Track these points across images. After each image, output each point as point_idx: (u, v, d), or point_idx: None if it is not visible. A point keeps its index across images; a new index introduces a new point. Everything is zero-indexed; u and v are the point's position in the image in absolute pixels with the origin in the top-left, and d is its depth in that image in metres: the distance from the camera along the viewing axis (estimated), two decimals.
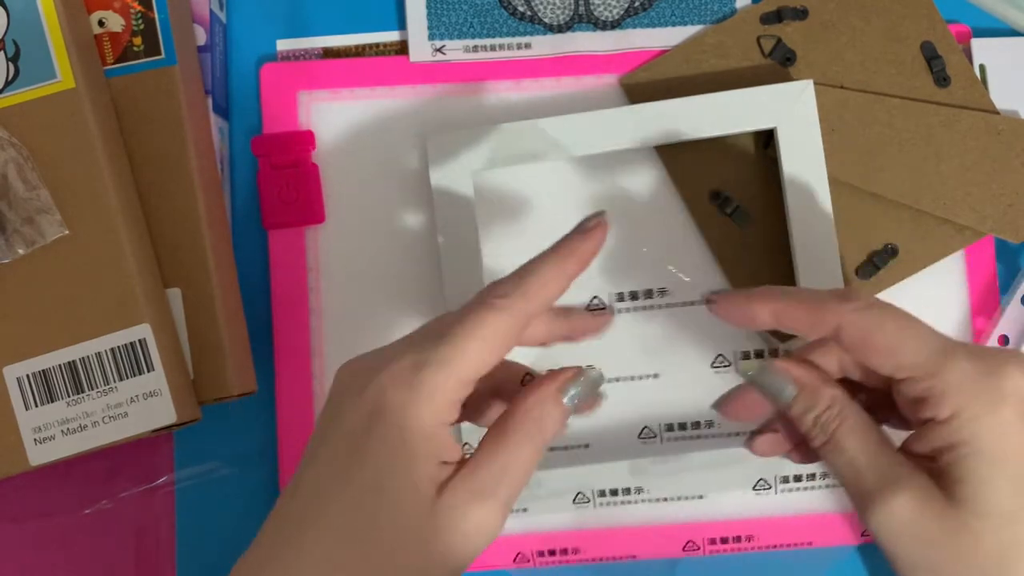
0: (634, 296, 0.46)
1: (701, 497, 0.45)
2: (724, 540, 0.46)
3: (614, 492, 0.45)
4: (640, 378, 0.45)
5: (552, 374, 0.32)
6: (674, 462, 0.44)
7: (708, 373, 0.45)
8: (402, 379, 0.30)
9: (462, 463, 0.31)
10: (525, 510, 0.44)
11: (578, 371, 0.32)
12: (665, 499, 0.45)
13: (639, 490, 0.44)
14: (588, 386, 0.32)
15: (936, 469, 0.30)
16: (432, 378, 0.29)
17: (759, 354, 0.45)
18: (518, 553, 0.46)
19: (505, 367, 0.35)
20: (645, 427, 0.45)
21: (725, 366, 0.45)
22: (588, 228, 0.34)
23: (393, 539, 0.29)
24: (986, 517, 0.29)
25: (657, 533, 0.46)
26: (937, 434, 0.30)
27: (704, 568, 0.46)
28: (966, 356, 0.30)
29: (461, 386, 0.30)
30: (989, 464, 0.29)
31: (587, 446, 0.38)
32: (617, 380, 0.45)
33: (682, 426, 0.46)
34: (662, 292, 0.46)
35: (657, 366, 0.44)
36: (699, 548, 0.46)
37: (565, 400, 0.32)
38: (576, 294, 0.47)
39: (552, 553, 0.46)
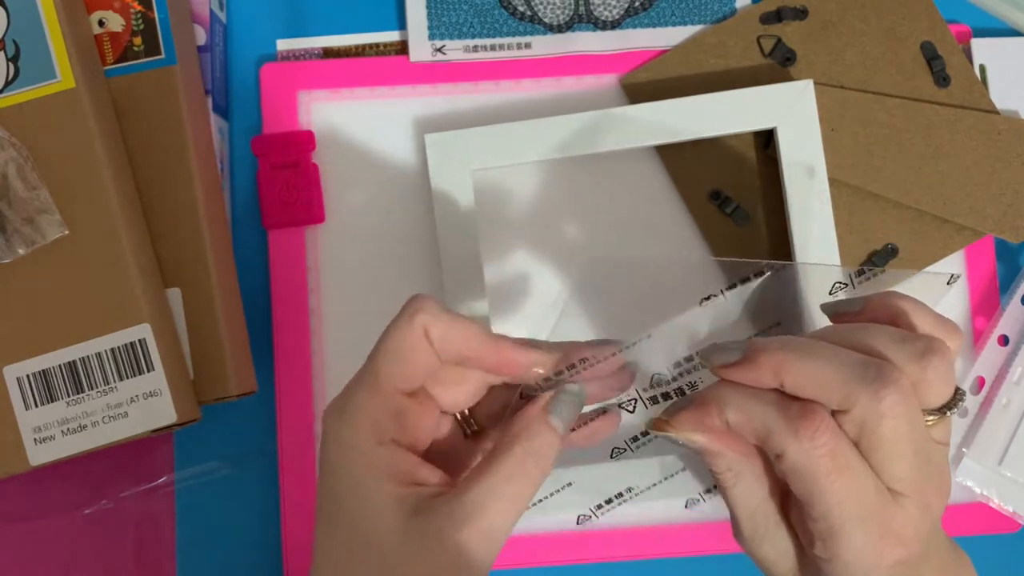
0: None
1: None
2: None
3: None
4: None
5: (537, 397, 0.33)
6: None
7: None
8: (333, 407, 0.31)
9: (451, 487, 0.31)
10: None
11: (559, 388, 0.33)
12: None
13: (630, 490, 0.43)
14: (571, 402, 0.32)
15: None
16: (353, 398, 0.31)
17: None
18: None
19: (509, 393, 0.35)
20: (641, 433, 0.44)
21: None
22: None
23: (369, 564, 0.29)
24: None
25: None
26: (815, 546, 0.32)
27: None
28: (863, 534, 0.30)
29: (384, 400, 0.31)
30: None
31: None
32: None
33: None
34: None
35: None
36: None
37: (552, 419, 0.32)
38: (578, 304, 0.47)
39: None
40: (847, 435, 0.30)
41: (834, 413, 0.30)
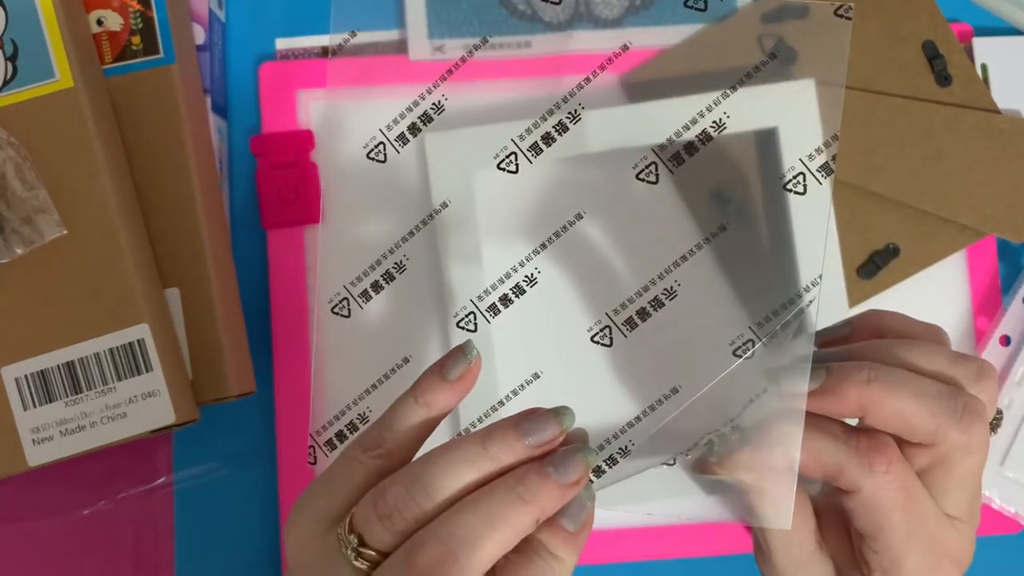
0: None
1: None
2: None
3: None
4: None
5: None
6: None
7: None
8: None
9: None
10: None
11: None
12: None
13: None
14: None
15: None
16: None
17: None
18: None
19: None
20: (596, 321, 0.41)
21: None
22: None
23: None
24: None
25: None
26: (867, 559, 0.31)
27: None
28: (925, 562, 0.30)
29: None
30: None
31: (537, 376, 0.37)
32: None
33: (642, 313, 0.41)
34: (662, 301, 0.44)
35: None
36: None
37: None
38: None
39: None
40: (913, 464, 0.30)
41: (904, 443, 0.30)
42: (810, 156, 0.37)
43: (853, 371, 0.30)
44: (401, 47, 0.49)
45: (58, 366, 0.40)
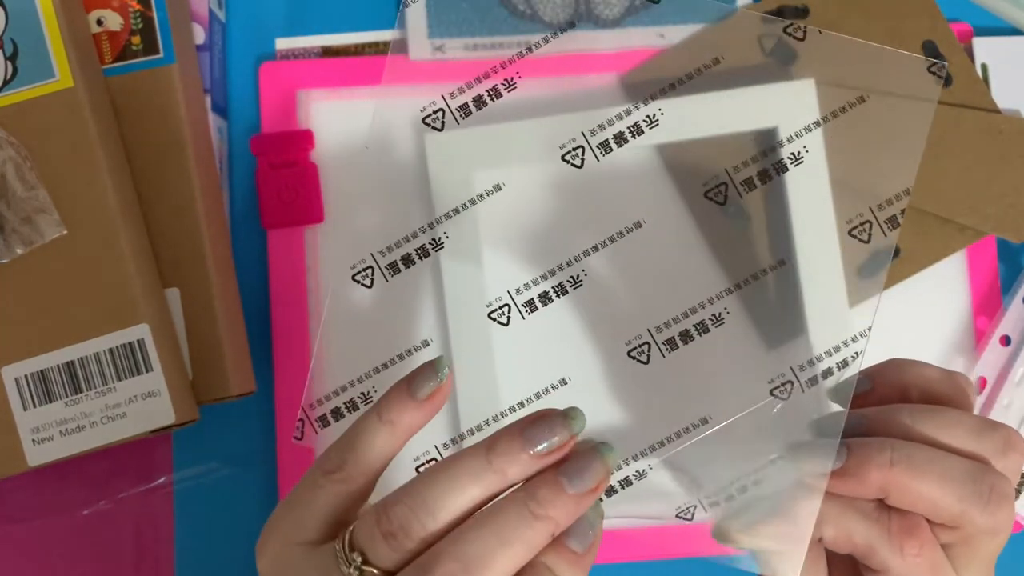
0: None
1: None
2: None
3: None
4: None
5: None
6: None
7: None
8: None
9: None
10: None
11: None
12: None
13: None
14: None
15: None
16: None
17: None
18: None
19: None
20: (636, 336, 0.39)
21: None
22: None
23: None
24: None
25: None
26: None
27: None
28: None
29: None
30: None
31: (565, 382, 0.36)
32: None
33: (685, 335, 0.40)
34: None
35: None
36: None
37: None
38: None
39: None
40: (939, 540, 0.30)
41: (931, 520, 0.30)
42: (880, 206, 0.36)
43: (875, 452, 0.29)
44: (401, 47, 0.49)
45: (58, 366, 0.40)
